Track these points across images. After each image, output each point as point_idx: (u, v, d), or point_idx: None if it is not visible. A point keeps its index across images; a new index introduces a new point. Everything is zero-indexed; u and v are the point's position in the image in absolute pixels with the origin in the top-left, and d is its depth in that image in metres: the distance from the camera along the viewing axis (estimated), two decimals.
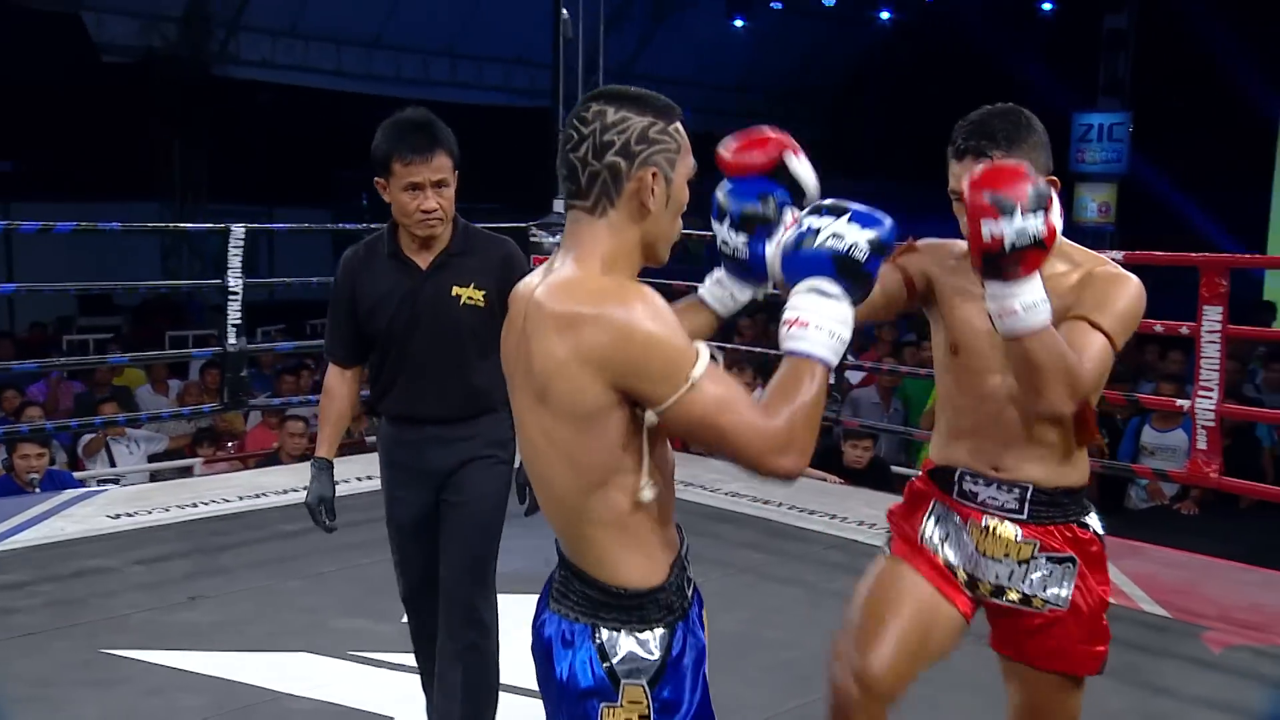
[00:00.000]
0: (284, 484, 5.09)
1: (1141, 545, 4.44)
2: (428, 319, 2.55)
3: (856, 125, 17.79)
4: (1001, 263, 1.70)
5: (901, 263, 2.07)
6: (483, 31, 14.16)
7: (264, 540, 4.41)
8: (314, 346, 8.06)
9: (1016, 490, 1.95)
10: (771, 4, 15.79)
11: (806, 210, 1.53)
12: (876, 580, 2.07)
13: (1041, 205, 1.68)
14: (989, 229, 1.68)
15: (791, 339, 1.42)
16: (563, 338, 1.39)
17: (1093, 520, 1.99)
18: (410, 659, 3.29)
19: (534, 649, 1.56)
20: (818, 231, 1.46)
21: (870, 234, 1.46)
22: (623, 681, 1.47)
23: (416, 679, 3.21)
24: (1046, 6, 14.99)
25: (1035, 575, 1.94)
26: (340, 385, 2.68)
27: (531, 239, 5.57)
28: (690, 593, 1.56)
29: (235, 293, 4.85)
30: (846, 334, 1.43)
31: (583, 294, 1.41)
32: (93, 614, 3.59)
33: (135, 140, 13.84)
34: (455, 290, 2.55)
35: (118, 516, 4.54)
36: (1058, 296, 1.83)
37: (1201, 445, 3.94)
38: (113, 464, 6.20)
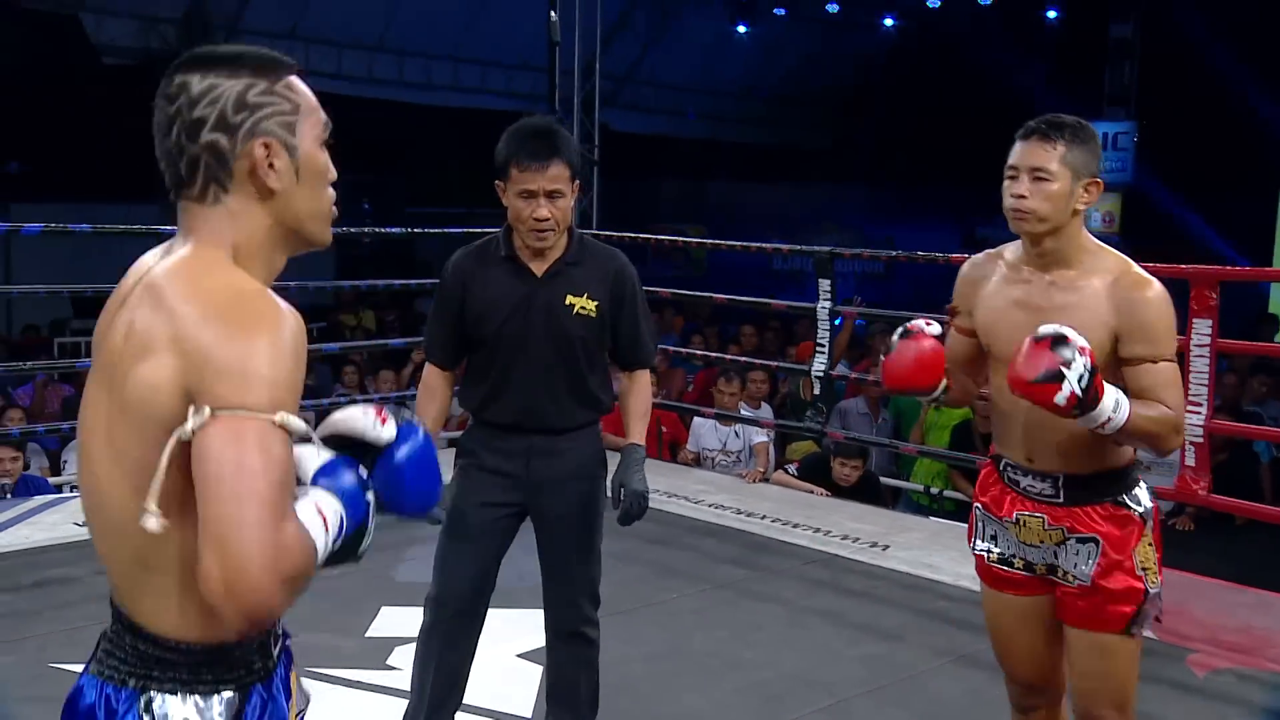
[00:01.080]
0: None
1: None
2: (540, 326, 2.53)
3: (860, 132, 17.71)
4: (1085, 404, 1.96)
5: (957, 325, 2.33)
6: (486, 36, 14.11)
7: None
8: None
9: (1050, 479, 2.16)
10: (775, 10, 15.73)
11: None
12: (988, 621, 2.37)
13: (1068, 346, 1.94)
14: (1061, 398, 1.94)
15: (317, 521, 1.17)
16: (160, 320, 1.17)
17: (1132, 496, 2.15)
18: (367, 675, 3.23)
19: None
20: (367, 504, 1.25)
21: (365, 544, 1.26)
22: None
23: (372, 696, 3.14)
24: (1052, 14, 14.90)
25: (1066, 555, 2.17)
26: (442, 384, 2.68)
27: None
28: (277, 650, 1.31)
29: None
30: (320, 558, 1.18)
31: (202, 285, 1.19)
32: (47, 626, 3.50)
33: (136, 142, 13.79)
34: (569, 299, 2.54)
35: (86, 524, 4.46)
36: (1092, 303, 2.08)
37: (1190, 462, 3.85)
38: None
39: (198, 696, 1.23)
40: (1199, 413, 3.82)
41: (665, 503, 5.10)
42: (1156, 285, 2.09)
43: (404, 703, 2.73)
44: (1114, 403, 1.98)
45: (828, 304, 4.98)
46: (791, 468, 5.60)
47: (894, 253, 6.56)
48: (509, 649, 3.35)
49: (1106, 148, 13.33)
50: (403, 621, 3.50)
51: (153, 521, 1.14)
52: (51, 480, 5.55)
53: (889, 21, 16.06)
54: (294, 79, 1.28)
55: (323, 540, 1.17)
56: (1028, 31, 15.04)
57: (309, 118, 1.28)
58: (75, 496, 5.03)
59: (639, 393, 2.68)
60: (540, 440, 2.57)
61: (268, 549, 1.09)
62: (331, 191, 1.32)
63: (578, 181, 2.51)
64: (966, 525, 2.39)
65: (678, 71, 15.93)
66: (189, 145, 1.23)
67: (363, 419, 1.29)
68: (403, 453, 1.30)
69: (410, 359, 7.38)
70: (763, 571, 4.27)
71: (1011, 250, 2.24)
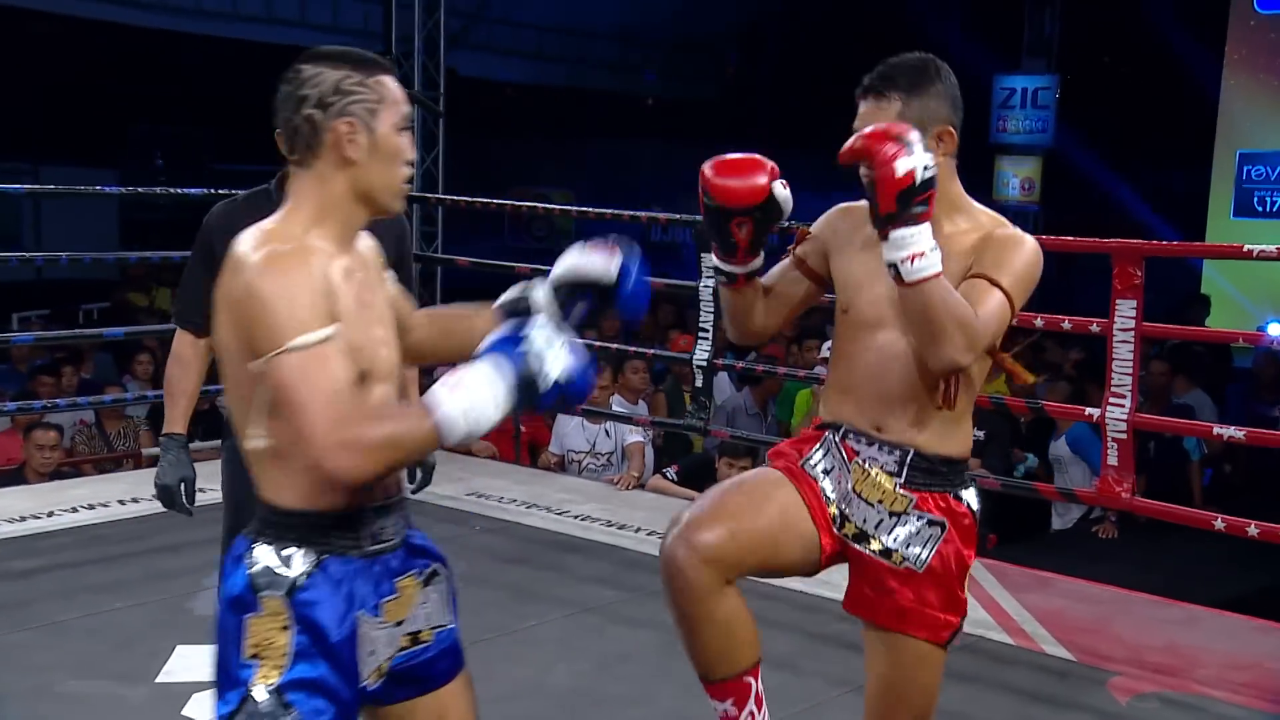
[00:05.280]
0: (22, 509, 4.83)
1: (1050, 576, 4.50)
2: None
3: (751, 85, 17.92)
4: (915, 200, 1.99)
5: (800, 254, 2.40)
6: None
7: None
8: (74, 337, 7.67)
9: (897, 453, 2.22)
10: None
11: (545, 310, 1.99)
12: (743, 477, 2.36)
13: (925, 149, 2.01)
14: (904, 165, 1.97)
15: (442, 390, 1.68)
16: (227, 276, 1.75)
17: (968, 495, 2.26)
18: None
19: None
20: (530, 341, 1.72)
21: (565, 373, 1.72)
22: (261, 592, 1.77)
23: None
24: None
25: (902, 531, 2.22)
26: (194, 355, 2.86)
27: None
28: (375, 547, 1.85)
29: None
30: (479, 429, 1.70)
31: (254, 242, 1.75)
32: None
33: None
34: None
35: None
36: (956, 257, 2.15)
37: (1112, 461, 3.99)
38: None
39: (281, 549, 1.78)
40: (1122, 405, 3.97)
41: (524, 515, 5.08)
42: (1029, 240, 2.22)
43: None
44: (932, 246, 2.02)
45: (711, 282, 4.87)
46: (671, 472, 5.64)
47: (790, 222, 6.61)
48: None
49: (1025, 105, 13.73)
50: (202, 662, 3.40)
51: (256, 442, 1.78)
52: None
53: None
54: (385, 76, 1.83)
55: (452, 402, 1.67)
56: None
57: (391, 109, 1.82)
58: None
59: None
60: None
61: (337, 421, 1.66)
62: (405, 170, 1.84)
63: None
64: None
65: (539, 11, 15.86)
66: (294, 117, 1.79)
67: (588, 258, 2.05)
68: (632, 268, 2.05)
69: None
70: (635, 593, 4.29)
71: None
